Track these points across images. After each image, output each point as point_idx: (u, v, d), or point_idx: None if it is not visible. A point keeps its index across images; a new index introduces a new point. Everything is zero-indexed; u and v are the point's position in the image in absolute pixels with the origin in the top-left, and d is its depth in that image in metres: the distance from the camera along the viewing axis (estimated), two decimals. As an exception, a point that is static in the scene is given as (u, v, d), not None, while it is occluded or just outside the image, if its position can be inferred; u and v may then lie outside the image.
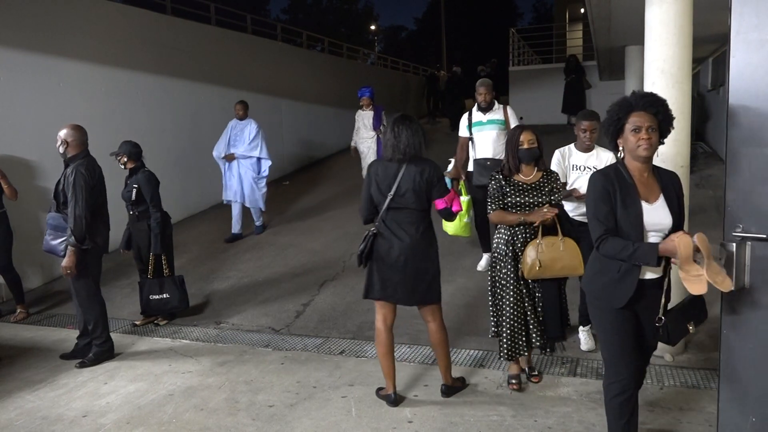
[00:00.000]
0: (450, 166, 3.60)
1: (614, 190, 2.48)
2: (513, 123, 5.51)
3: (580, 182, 4.01)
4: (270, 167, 7.73)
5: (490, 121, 5.60)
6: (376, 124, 8.39)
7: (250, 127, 7.54)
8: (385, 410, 3.49)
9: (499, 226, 3.66)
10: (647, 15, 3.91)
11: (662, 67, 3.81)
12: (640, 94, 2.52)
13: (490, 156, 5.54)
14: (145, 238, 5.18)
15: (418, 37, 45.53)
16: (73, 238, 4.15)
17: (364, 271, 3.54)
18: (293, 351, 4.51)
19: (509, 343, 3.51)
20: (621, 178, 2.51)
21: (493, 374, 3.90)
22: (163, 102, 8.55)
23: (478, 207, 5.40)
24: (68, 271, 4.20)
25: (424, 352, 4.27)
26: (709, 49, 10.12)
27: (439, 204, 3.47)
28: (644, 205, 2.48)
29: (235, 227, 7.73)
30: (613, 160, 3.68)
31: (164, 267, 5.24)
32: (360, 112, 8.67)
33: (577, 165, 4.09)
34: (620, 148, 2.56)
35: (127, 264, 6.50)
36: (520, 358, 3.66)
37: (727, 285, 2.26)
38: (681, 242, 2.30)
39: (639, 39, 4.32)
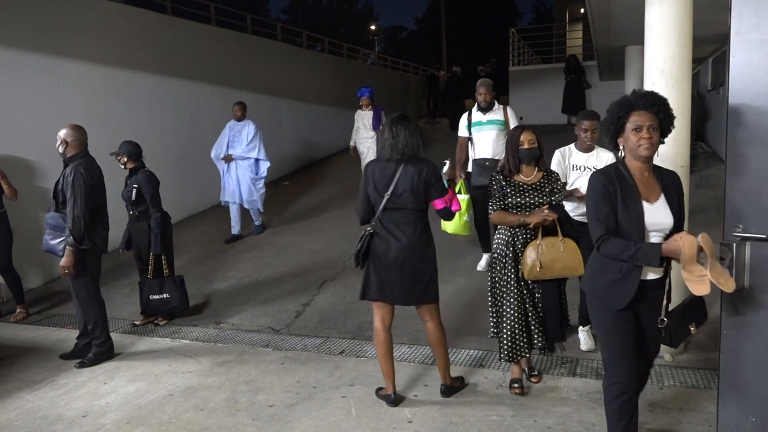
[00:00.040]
0: (445, 168, 3.58)
1: (615, 190, 2.46)
2: (513, 123, 5.51)
3: (580, 182, 4.01)
4: (268, 168, 7.72)
5: (489, 122, 5.60)
6: (376, 124, 8.39)
7: (248, 128, 7.53)
8: (385, 410, 3.49)
9: (499, 226, 3.65)
10: (647, 15, 3.91)
11: (662, 67, 3.81)
12: (641, 93, 2.50)
13: (489, 156, 5.54)
14: (145, 238, 5.18)
15: (418, 37, 45.53)
16: (71, 237, 4.15)
17: (362, 272, 3.54)
18: (293, 351, 4.51)
19: (510, 345, 3.49)
20: (621, 178, 2.49)
21: (493, 374, 3.90)
22: (163, 102, 8.55)
23: (477, 207, 5.41)
24: (66, 271, 4.20)
25: (424, 352, 4.27)
26: (709, 49, 10.12)
27: (438, 204, 3.46)
28: (645, 205, 2.46)
29: (235, 228, 7.73)
30: (613, 161, 3.67)
31: (164, 267, 5.24)
32: (359, 112, 8.68)
33: (578, 165, 4.09)
34: (621, 148, 2.55)
35: (127, 264, 6.50)
36: (521, 360, 3.63)
37: (730, 286, 2.24)
38: (685, 242, 2.27)
39: (639, 39, 4.32)
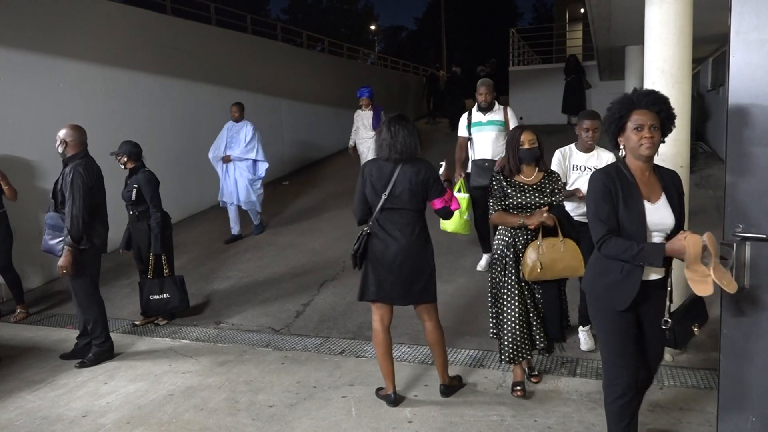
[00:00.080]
0: (441, 169, 3.57)
1: (616, 190, 2.44)
2: (513, 124, 5.50)
3: (580, 182, 4.01)
4: (266, 169, 7.70)
5: (489, 122, 5.60)
6: (376, 124, 8.38)
7: (246, 129, 7.52)
8: (385, 410, 3.49)
9: (500, 227, 3.64)
10: (647, 15, 3.91)
11: (662, 67, 3.81)
12: (643, 91, 2.47)
13: (488, 157, 5.53)
14: (145, 238, 5.18)
15: (418, 37, 45.50)
16: (69, 237, 4.15)
17: (360, 272, 3.53)
18: (293, 351, 4.51)
19: (512, 346, 3.46)
20: (622, 177, 2.47)
21: (493, 374, 3.90)
22: (163, 102, 8.56)
23: (477, 207, 5.40)
24: (64, 271, 4.20)
25: (424, 352, 4.27)
26: (709, 49, 10.13)
27: (437, 204, 3.46)
28: (646, 204, 2.44)
29: (234, 229, 7.73)
30: (614, 161, 3.67)
31: (164, 267, 5.24)
32: (359, 111, 8.68)
33: (578, 165, 4.08)
34: (621, 147, 2.52)
35: (127, 264, 6.50)
36: (521, 362, 3.60)
37: (733, 287, 2.23)
38: (690, 242, 2.25)
39: (639, 39, 4.32)
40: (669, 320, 2.46)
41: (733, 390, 2.43)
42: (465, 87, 14.08)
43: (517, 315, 3.46)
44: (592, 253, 2.61)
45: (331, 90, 13.67)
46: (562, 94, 13.97)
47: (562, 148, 4.16)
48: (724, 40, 2.92)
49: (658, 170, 2.56)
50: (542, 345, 3.52)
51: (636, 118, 2.42)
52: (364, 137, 8.50)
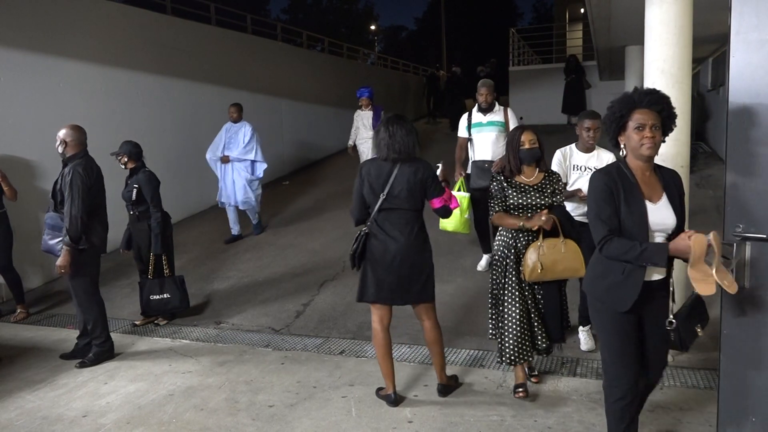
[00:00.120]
0: (438, 171, 3.57)
1: (617, 190, 2.41)
2: (513, 125, 5.48)
3: (580, 183, 4.01)
4: (265, 170, 7.68)
5: (489, 123, 5.59)
6: (376, 124, 8.32)
7: (244, 130, 7.50)
8: (385, 410, 3.49)
9: (500, 228, 3.63)
10: (647, 15, 3.91)
11: (662, 67, 3.81)
12: (644, 90, 2.44)
13: (488, 158, 5.53)
14: (145, 238, 5.18)
15: (418, 37, 45.49)
16: (68, 237, 4.15)
17: (358, 273, 3.52)
18: (293, 351, 4.51)
19: (514, 348, 3.43)
20: (624, 177, 2.44)
21: (493, 374, 3.90)
22: (163, 102, 8.56)
23: (477, 208, 5.40)
24: (62, 271, 4.20)
25: (424, 352, 4.26)
26: (709, 49, 10.12)
27: (436, 203, 3.46)
28: (648, 204, 2.41)
29: (234, 229, 7.73)
30: (614, 161, 3.67)
31: (164, 267, 5.24)
32: (359, 112, 8.68)
33: (578, 165, 4.08)
34: (622, 146, 2.50)
35: (127, 264, 6.50)
36: (523, 363, 3.57)
37: (734, 288, 2.22)
38: (696, 241, 2.22)
39: (639, 39, 4.32)
40: (674, 321, 2.43)
41: (734, 390, 2.43)
42: (465, 87, 14.08)
43: (518, 316, 3.44)
44: (593, 253, 2.57)
45: (331, 90, 13.67)
46: (562, 94, 13.97)
47: (563, 149, 4.16)
48: (724, 40, 2.92)
49: (659, 170, 2.53)
50: (544, 346, 3.51)
51: (637, 118, 2.39)
52: (365, 137, 8.50)
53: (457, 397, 3.61)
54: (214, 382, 4.00)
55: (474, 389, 3.71)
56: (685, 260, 2.31)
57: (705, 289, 2.24)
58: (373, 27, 44.97)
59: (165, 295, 5.15)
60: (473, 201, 5.32)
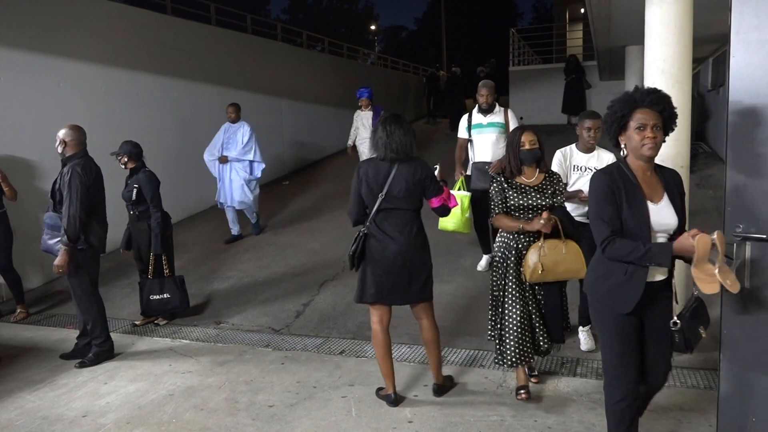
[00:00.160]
0: (435, 172, 3.56)
1: (619, 190, 2.39)
2: (513, 126, 5.46)
3: (580, 183, 4.01)
4: (263, 170, 7.66)
5: (490, 124, 5.59)
6: (376, 124, 8.37)
7: (243, 130, 7.49)
8: (385, 410, 3.49)
9: (501, 229, 3.61)
10: (647, 15, 3.92)
11: (662, 67, 3.82)
12: (645, 90, 2.42)
13: (489, 160, 5.52)
14: (145, 238, 5.18)
15: (418, 37, 45.51)
16: (65, 237, 4.15)
17: (357, 273, 3.52)
18: (293, 351, 4.51)
19: (516, 350, 3.40)
20: (625, 178, 2.42)
21: (493, 374, 3.90)
22: (163, 102, 8.55)
23: (477, 209, 5.39)
24: (60, 270, 4.20)
25: (424, 352, 4.24)
26: (709, 49, 10.13)
27: (435, 202, 3.46)
28: (650, 205, 2.39)
29: (233, 229, 7.72)
30: (614, 161, 3.66)
31: (164, 267, 5.24)
32: (359, 112, 8.68)
33: (578, 165, 4.08)
34: (622, 146, 2.47)
35: (127, 264, 6.50)
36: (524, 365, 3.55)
37: (736, 287, 2.21)
38: (700, 241, 2.21)
39: (639, 39, 4.33)
40: (678, 321, 2.41)
41: (734, 390, 2.43)
42: (465, 87, 14.09)
43: (519, 318, 3.42)
44: (594, 254, 2.55)
45: (331, 90, 13.67)
46: (562, 94, 13.97)
47: (563, 149, 4.15)
48: (724, 40, 2.92)
49: (660, 170, 2.52)
50: (545, 347, 3.50)
51: (639, 117, 2.37)
52: (364, 137, 8.47)
53: (457, 397, 3.61)
54: (214, 382, 4.00)
55: (474, 389, 3.71)
56: (688, 260, 2.31)
57: (708, 288, 2.23)
58: (373, 27, 44.98)
59: (165, 295, 5.15)
60: (473, 201, 5.31)
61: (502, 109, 5.69)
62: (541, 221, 3.28)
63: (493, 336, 3.60)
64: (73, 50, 7.09)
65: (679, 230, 2.43)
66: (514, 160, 3.48)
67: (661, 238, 2.43)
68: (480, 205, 5.24)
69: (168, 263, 5.27)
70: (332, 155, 13.01)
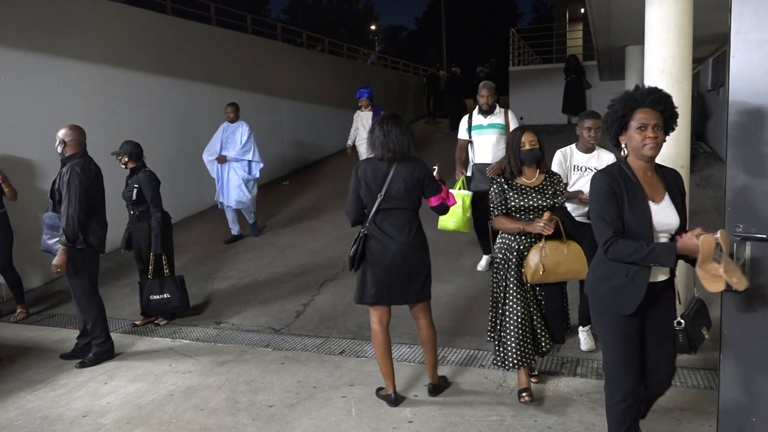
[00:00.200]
0: (434, 173, 3.55)
1: (620, 190, 2.37)
2: (514, 127, 5.47)
3: (581, 183, 4.00)
4: (261, 170, 7.64)
5: (490, 125, 5.58)
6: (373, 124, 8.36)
7: (241, 130, 7.47)
8: (385, 410, 3.49)
9: (501, 230, 3.60)
10: (647, 15, 3.91)
11: (662, 67, 3.82)
12: (646, 90, 2.39)
13: (489, 161, 5.52)
14: (145, 238, 5.18)
15: (418, 37, 45.51)
16: (64, 237, 4.15)
17: (357, 274, 3.51)
18: (293, 351, 4.51)
19: (517, 352, 3.38)
20: (626, 178, 2.40)
21: (493, 374, 3.90)
22: (163, 102, 8.55)
23: (477, 210, 5.39)
24: (58, 270, 4.20)
25: (424, 352, 4.27)
26: (709, 49, 10.13)
27: (433, 201, 3.46)
28: (651, 205, 2.38)
29: (233, 229, 7.72)
30: (614, 161, 3.65)
31: (165, 267, 5.24)
32: (359, 112, 8.68)
33: (579, 166, 4.07)
34: (623, 146, 2.46)
35: (127, 264, 6.50)
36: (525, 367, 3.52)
37: (743, 284, 2.19)
38: (705, 240, 2.19)
39: (639, 39, 4.33)
40: (682, 321, 2.39)
41: (734, 390, 2.43)
42: (465, 87, 14.09)
43: (520, 319, 3.40)
44: (595, 255, 2.54)
45: (331, 90, 13.67)
46: (562, 94, 13.97)
47: (563, 149, 4.15)
48: (724, 40, 2.92)
49: (660, 170, 2.50)
50: (546, 348, 3.48)
51: (640, 117, 2.35)
52: (364, 138, 8.45)
53: (457, 397, 3.61)
54: (214, 382, 4.00)
55: (474, 389, 3.71)
56: (689, 261, 2.30)
57: (713, 287, 2.22)
58: (373, 27, 44.98)
59: (165, 295, 5.15)
60: (473, 202, 5.31)
61: (503, 110, 5.68)
62: (542, 224, 3.26)
63: (493, 337, 3.59)
64: (73, 50, 7.09)
65: (681, 230, 2.42)
66: (514, 160, 3.47)
67: (663, 238, 2.42)
68: (480, 205, 5.24)
69: (168, 263, 5.27)
70: (332, 155, 13.01)
